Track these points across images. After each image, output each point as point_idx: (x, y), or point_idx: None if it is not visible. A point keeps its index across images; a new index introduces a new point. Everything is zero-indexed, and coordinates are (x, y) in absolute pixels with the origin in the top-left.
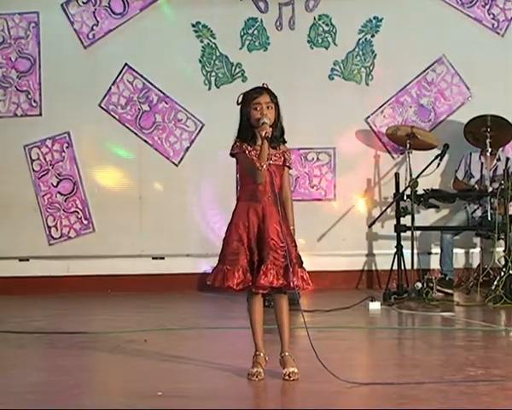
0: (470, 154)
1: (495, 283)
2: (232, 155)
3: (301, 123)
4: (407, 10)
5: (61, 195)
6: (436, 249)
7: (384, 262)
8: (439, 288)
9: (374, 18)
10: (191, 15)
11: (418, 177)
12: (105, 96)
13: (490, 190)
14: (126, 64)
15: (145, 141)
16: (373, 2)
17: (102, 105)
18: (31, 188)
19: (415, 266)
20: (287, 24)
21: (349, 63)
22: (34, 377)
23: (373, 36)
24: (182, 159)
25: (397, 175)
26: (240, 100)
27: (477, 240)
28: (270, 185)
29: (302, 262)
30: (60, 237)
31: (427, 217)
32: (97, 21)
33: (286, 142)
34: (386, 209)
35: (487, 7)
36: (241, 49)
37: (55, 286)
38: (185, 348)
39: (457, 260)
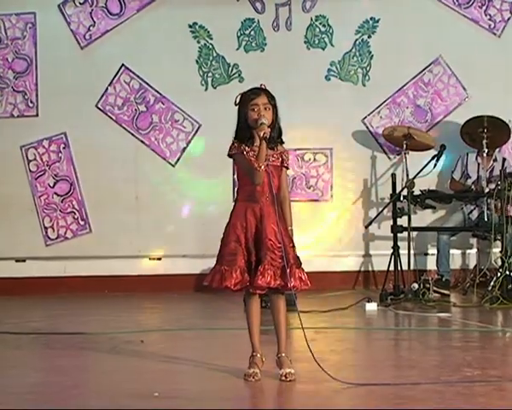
0: (467, 154)
1: (491, 283)
2: (230, 155)
3: (298, 124)
4: (404, 11)
5: (58, 195)
6: (433, 250)
7: (381, 263)
8: (435, 289)
9: (370, 19)
10: (188, 16)
11: (415, 177)
12: (102, 96)
13: (486, 190)
14: (123, 65)
15: (142, 141)
16: (369, 3)
17: (99, 106)
18: (27, 188)
19: (411, 267)
20: (283, 24)
21: (346, 64)
22: (33, 377)
23: (370, 37)
24: (178, 159)
25: (393, 176)
26: (237, 101)
27: (474, 241)
28: (268, 186)
29: (300, 263)
30: (56, 238)
31: (423, 218)
32: (94, 22)
33: (283, 142)
34: (382, 210)
35: (484, 8)
36: (237, 49)
37: (52, 287)
38: (182, 348)
39: (454, 261)
